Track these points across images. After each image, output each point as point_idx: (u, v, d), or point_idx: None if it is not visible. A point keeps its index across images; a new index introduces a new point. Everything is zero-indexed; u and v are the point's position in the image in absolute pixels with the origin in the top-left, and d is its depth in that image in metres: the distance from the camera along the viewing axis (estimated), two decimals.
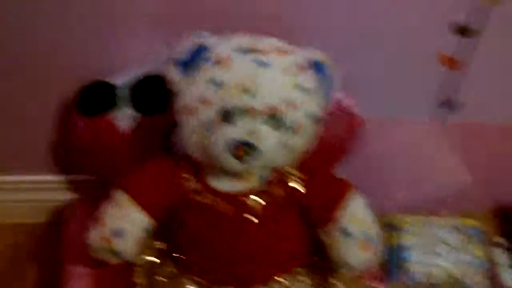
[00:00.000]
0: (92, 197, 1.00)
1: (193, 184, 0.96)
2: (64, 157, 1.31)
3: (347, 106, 1.15)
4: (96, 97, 1.08)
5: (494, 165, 1.42)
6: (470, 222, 1.38)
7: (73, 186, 1.36)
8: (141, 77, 1.08)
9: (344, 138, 1.18)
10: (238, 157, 0.86)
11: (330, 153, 1.15)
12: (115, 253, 0.94)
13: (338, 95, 1.12)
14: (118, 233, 0.93)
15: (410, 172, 1.40)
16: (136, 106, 1.08)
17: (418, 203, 1.42)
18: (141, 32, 1.12)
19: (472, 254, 1.31)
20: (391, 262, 1.32)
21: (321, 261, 1.04)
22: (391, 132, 1.33)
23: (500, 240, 1.37)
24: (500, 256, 1.33)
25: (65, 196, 1.35)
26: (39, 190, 1.37)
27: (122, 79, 1.09)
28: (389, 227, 1.38)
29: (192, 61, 0.89)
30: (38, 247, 1.35)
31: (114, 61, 1.12)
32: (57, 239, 1.18)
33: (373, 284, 1.14)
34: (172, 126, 1.05)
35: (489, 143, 1.39)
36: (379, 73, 1.24)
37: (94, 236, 0.94)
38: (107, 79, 1.09)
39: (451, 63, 1.23)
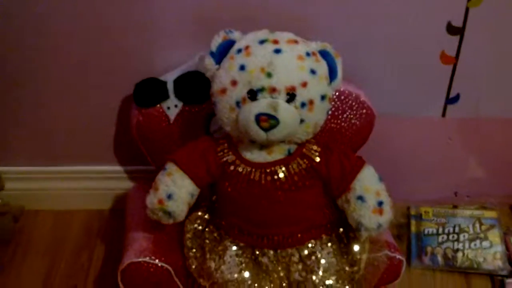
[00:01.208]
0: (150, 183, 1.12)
1: (229, 157, 1.09)
2: (126, 148, 1.44)
3: (363, 100, 1.25)
4: (149, 91, 1.23)
5: (507, 159, 1.46)
6: (489, 213, 1.45)
7: (135, 175, 1.50)
8: (184, 73, 1.23)
9: (361, 129, 1.26)
10: (263, 128, 1.00)
11: (348, 141, 1.26)
12: (167, 213, 1.08)
13: (356, 90, 1.25)
14: (169, 196, 1.07)
15: (427, 166, 1.47)
16: (180, 96, 1.23)
17: (438, 195, 1.50)
18: (181, 40, 1.27)
19: (490, 240, 1.40)
20: (415, 247, 1.42)
21: (345, 232, 1.15)
22: (407, 128, 1.40)
23: None
24: None
25: (128, 184, 1.48)
26: (106, 179, 1.51)
27: (169, 76, 1.24)
28: (413, 217, 1.47)
29: (223, 52, 1.05)
30: (106, 228, 1.51)
31: (162, 63, 1.27)
32: (121, 222, 1.32)
33: (392, 254, 1.17)
34: (210, 115, 1.23)
35: (502, 137, 1.43)
36: (389, 74, 1.32)
37: (151, 200, 1.08)
38: (156, 77, 1.24)
39: (451, 61, 1.29)
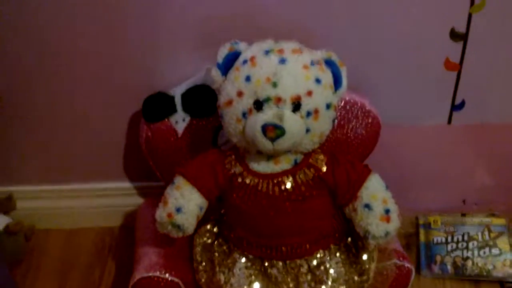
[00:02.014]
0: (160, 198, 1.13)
1: (236, 168, 1.10)
2: (135, 165, 1.46)
3: (369, 109, 1.26)
4: (157, 106, 1.24)
5: None
6: (498, 220, 1.45)
7: (145, 191, 1.51)
8: (191, 86, 1.24)
9: (367, 138, 1.27)
10: (269, 138, 1.01)
11: (354, 151, 1.27)
12: (176, 226, 1.08)
13: (361, 99, 1.25)
14: (178, 209, 1.07)
15: (434, 174, 1.46)
16: (187, 110, 1.24)
17: (446, 203, 1.49)
18: (187, 54, 1.28)
19: (500, 248, 1.39)
20: (424, 257, 1.41)
21: (354, 242, 1.15)
22: (413, 136, 1.40)
23: None
24: None
25: (139, 201, 1.49)
26: (116, 196, 1.52)
27: (176, 90, 1.25)
28: (422, 226, 1.47)
29: (229, 63, 1.06)
30: (117, 245, 1.52)
31: (169, 77, 1.29)
32: (132, 239, 1.33)
33: (400, 262, 1.17)
34: (217, 128, 1.24)
35: (509, 143, 1.43)
36: (393, 82, 1.33)
37: (160, 213, 1.09)
38: (164, 91, 1.25)
39: (456, 67, 1.29)
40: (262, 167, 1.09)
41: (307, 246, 1.12)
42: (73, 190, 1.51)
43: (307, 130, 1.04)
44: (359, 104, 1.25)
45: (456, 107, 1.36)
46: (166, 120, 1.26)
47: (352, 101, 1.25)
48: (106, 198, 1.52)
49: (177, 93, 1.25)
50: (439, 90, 1.34)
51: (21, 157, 1.46)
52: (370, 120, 1.26)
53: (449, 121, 1.39)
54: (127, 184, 1.51)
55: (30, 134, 1.42)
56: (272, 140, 1.01)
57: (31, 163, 1.47)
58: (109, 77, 1.32)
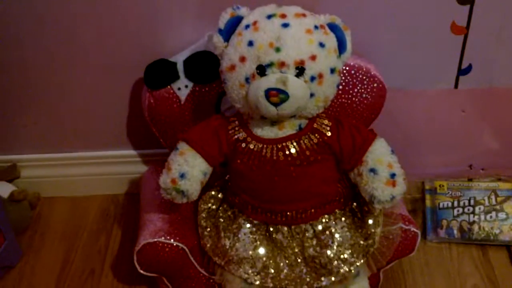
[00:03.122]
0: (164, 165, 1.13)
1: (240, 134, 1.09)
2: (139, 132, 1.46)
3: (374, 74, 1.24)
4: (159, 72, 1.23)
5: None
6: (505, 185, 1.45)
7: (149, 159, 1.51)
8: (193, 53, 1.23)
9: (372, 103, 1.26)
10: (273, 103, 1.00)
11: (359, 116, 1.26)
12: (180, 192, 1.08)
13: (366, 64, 1.24)
14: (182, 175, 1.07)
15: (441, 139, 1.46)
16: (190, 77, 1.23)
17: (453, 168, 1.49)
18: (189, 20, 1.28)
19: (506, 212, 1.40)
20: (430, 221, 1.42)
21: (359, 207, 1.15)
22: (419, 101, 1.40)
23: None
24: None
25: (143, 168, 1.50)
26: (121, 164, 1.53)
27: (178, 57, 1.24)
28: (428, 191, 1.47)
29: (231, 29, 1.05)
30: (122, 213, 1.53)
31: (171, 44, 1.28)
32: (137, 206, 1.34)
33: (406, 226, 1.17)
34: (220, 94, 1.24)
35: None
36: (399, 46, 1.32)
37: (164, 179, 1.09)
38: (166, 58, 1.24)
39: (462, 31, 1.28)
40: (266, 132, 1.08)
41: (312, 210, 1.12)
42: (77, 157, 1.52)
43: (311, 95, 1.03)
44: (364, 69, 1.24)
45: (463, 71, 1.35)
46: (169, 87, 1.25)
47: (357, 66, 1.24)
48: (110, 166, 1.53)
49: (179, 59, 1.24)
50: (445, 54, 1.33)
51: (23, 125, 1.47)
52: (375, 85, 1.25)
53: (456, 86, 1.38)
54: (131, 152, 1.51)
55: (32, 102, 1.43)
56: (276, 105, 1.01)
57: (34, 131, 1.48)
58: (110, 44, 1.32)
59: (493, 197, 1.43)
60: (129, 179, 1.55)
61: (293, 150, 1.07)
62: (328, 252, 1.11)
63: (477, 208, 1.42)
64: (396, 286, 1.32)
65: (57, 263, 1.41)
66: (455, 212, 1.42)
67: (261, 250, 1.13)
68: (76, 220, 1.51)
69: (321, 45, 1.02)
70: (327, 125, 1.10)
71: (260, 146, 1.08)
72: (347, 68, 1.23)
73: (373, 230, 1.13)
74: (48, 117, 1.46)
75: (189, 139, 1.10)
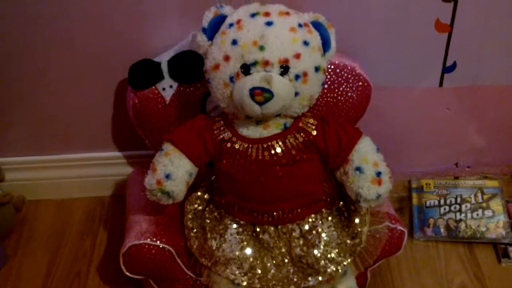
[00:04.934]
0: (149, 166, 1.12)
1: (225, 134, 1.09)
2: (124, 133, 1.45)
3: (359, 73, 1.24)
4: (143, 73, 1.22)
5: (507, 127, 1.46)
6: (491, 182, 1.45)
7: (134, 160, 1.50)
8: (177, 53, 1.22)
9: (357, 102, 1.26)
10: (257, 102, 0.99)
11: (345, 115, 1.26)
12: (166, 193, 1.07)
13: (351, 63, 1.24)
14: (167, 176, 1.06)
15: (426, 137, 1.47)
16: (174, 77, 1.23)
17: (439, 166, 1.50)
18: (173, 19, 1.27)
19: (493, 210, 1.40)
20: (417, 220, 1.42)
21: (346, 206, 1.15)
22: (404, 99, 1.40)
23: None
24: None
25: (129, 170, 1.49)
26: (106, 166, 1.52)
27: (163, 57, 1.24)
28: (415, 190, 1.48)
29: (214, 27, 1.05)
30: (108, 215, 1.52)
31: (155, 44, 1.27)
32: (123, 208, 1.33)
33: (393, 225, 1.17)
34: (205, 94, 1.23)
35: (501, 105, 1.42)
36: (384, 44, 1.31)
37: (149, 180, 1.08)
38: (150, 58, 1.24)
39: (447, 29, 1.28)
40: (251, 132, 1.08)
41: (299, 210, 1.12)
42: (62, 160, 1.51)
43: (296, 94, 1.03)
44: (349, 68, 1.24)
45: (447, 69, 1.35)
46: (153, 87, 1.24)
47: (342, 65, 1.23)
48: (96, 168, 1.53)
49: (163, 59, 1.23)
50: (430, 52, 1.33)
51: (7, 127, 1.45)
52: (360, 84, 1.25)
53: (441, 84, 1.38)
54: (116, 153, 1.51)
55: (16, 104, 1.41)
56: (261, 104, 1.00)
57: (18, 133, 1.47)
58: (94, 44, 1.31)
59: (479, 195, 1.44)
60: (115, 181, 1.54)
61: (278, 150, 1.07)
62: (315, 251, 1.11)
63: (463, 206, 1.43)
64: (383, 285, 1.32)
65: (43, 266, 1.40)
66: (442, 210, 1.43)
67: (248, 251, 1.13)
68: (62, 223, 1.50)
69: (305, 43, 1.02)
70: (312, 124, 1.09)
71: (246, 145, 1.08)
72: (332, 67, 1.23)
73: (359, 229, 1.12)
74: (32, 119, 1.45)
75: (174, 139, 1.09)
